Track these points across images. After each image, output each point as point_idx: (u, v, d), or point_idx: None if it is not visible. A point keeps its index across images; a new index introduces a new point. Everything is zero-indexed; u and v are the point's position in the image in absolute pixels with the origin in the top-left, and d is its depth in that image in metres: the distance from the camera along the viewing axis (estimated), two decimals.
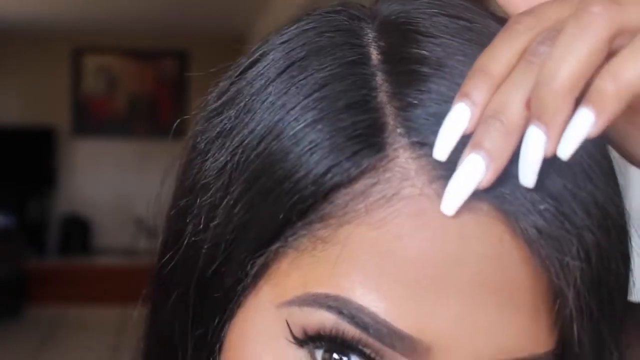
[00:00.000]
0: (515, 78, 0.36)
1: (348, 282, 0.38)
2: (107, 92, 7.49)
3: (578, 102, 0.35)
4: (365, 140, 0.39)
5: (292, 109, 0.40)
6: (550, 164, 0.37)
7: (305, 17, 0.44)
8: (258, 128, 0.41)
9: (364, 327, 0.37)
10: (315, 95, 0.40)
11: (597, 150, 0.39)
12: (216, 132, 0.43)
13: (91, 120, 7.45)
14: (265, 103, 0.41)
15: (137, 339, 0.49)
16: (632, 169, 0.42)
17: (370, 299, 0.37)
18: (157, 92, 7.46)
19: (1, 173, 7.13)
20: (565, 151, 0.36)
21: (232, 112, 0.43)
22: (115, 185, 7.35)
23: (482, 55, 0.37)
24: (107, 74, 7.47)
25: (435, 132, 0.38)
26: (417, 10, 0.42)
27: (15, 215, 6.50)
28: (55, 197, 7.38)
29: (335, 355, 0.38)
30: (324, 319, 0.38)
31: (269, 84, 0.42)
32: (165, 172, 0.48)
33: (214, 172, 0.42)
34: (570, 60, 0.35)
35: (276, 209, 0.40)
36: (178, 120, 0.54)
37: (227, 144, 0.42)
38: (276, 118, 0.40)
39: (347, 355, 0.38)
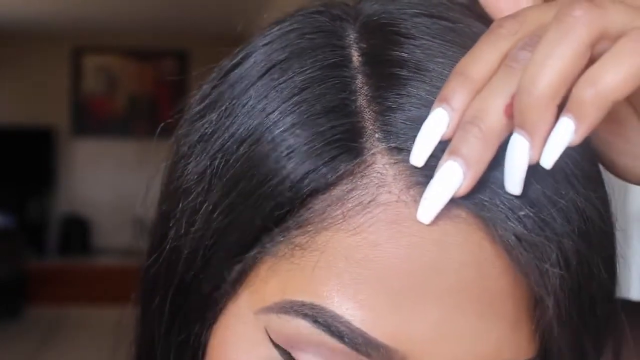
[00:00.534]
0: (495, 83, 0.36)
1: (325, 290, 0.37)
2: (107, 92, 7.48)
3: (562, 107, 0.35)
4: (342, 146, 0.38)
5: (272, 112, 0.40)
6: (530, 170, 0.36)
7: (288, 18, 0.43)
8: (238, 132, 0.41)
9: (339, 335, 0.37)
10: (295, 99, 0.39)
11: (580, 154, 0.38)
12: (198, 135, 0.43)
13: (91, 120, 7.44)
14: (245, 107, 0.41)
15: (129, 341, 0.49)
16: None
17: (347, 308, 0.37)
18: (157, 92, 7.45)
19: (1, 173, 7.13)
20: (548, 160, 0.35)
21: (213, 116, 0.42)
22: (115, 185, 7.34)
23: (463, 59, 0.37)
24: (107, 74, 7.46)
25: (413, 137, 0.37)
26: (398, 11, 0.42)
27: (15, 215, 6.50)
28: (55, 197, 7.37)
29: None
30: (301, 327, 0.38)
31: (249, 86, 0.41)
32: (151, 173, 0.48)
33: (195, 176, 0.42)
34: (551, 66, 0.34)
35: (254, 214, 0.39)
36: (156, 125, 0.52)
37: (208, 148, 0.42)
38: (256, 122, 0.40)
39: None
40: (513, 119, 0.35)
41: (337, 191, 0.38)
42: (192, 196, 0.42)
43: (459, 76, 0.36)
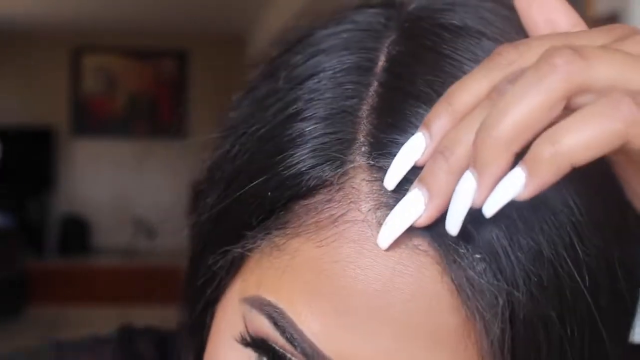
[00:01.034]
0: (473, 115, 0.34)
1: (289, 295, 0.38)
2: (107, 92, 7.48)
3: (520, 157, 0.32)
4: (329, 155, 0.38)
5: (277, 112, 0.41)
6: (501, 212, 0.34)
7: (349, 11, 0.43)
8: (250, 131, 0.42)
9: (292, 342, 0.37)
10: (304, 100, 0.40)
11: (556, 194, 0.36)
12: (224, 131, 0.45)
13: (91, 120, 7.44)
14: (272, 108, 0.41)
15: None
16: None
17: (304, 316, 0.37)
18: (157, 92, 7.45)
19: (0, 173, 7.13)
20: (489, 208, 0.33)
21: (238, 113, 0.44)
22: (114, 185, 7.34)
23: (454, 85, 0.35)
24: (107, 73, 7.46)
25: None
26: (444, 19, 0.40)
27: (15, 215, 6.49)
28: (54, 197, 7.37)
29: None
30: (263, 326, 0.39)
31: (278, 90, 0.42)
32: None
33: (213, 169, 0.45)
34: (516, 110, 0.32)
35: (242, 210, 0.41)
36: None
37: (228, 142, 0.44)
38: (272, 124, 0.41)
39: None
40: None
41: (316, 199, 0.38)
42: (218, 175, 0.44)
43: (444, 103, 0.35)
